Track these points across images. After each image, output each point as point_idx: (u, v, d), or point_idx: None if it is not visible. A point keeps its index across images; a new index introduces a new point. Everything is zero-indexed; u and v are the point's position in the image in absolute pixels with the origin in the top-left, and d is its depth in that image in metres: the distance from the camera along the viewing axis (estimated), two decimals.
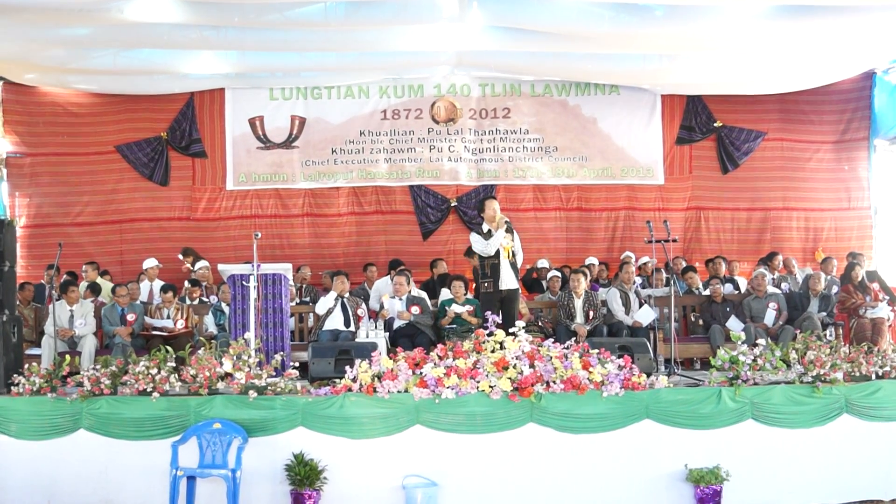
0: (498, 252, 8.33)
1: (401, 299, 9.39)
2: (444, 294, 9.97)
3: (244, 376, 6.51)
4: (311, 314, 9.68)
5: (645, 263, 11.46)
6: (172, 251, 11.88)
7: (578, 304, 9.51)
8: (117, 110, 12.13)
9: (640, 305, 9.65)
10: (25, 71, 11.21)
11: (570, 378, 6.49)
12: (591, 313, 9.44)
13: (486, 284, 8.39)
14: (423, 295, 9.82)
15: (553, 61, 11.03)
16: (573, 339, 8.40)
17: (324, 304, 9.22)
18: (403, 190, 12.44)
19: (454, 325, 9.16)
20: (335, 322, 9.11)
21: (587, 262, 11.63)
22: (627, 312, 9.59)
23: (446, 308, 9.40)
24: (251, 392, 6.43)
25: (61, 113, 12.07)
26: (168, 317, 9.44)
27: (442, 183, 12.41)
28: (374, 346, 7.46)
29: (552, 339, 6.95)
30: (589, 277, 10.10)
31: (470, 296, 9.59)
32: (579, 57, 10.88)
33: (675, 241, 10.07)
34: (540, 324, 9.60)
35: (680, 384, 7.07)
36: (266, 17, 9.13)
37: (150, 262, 11.01)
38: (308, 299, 10.54)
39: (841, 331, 9.69)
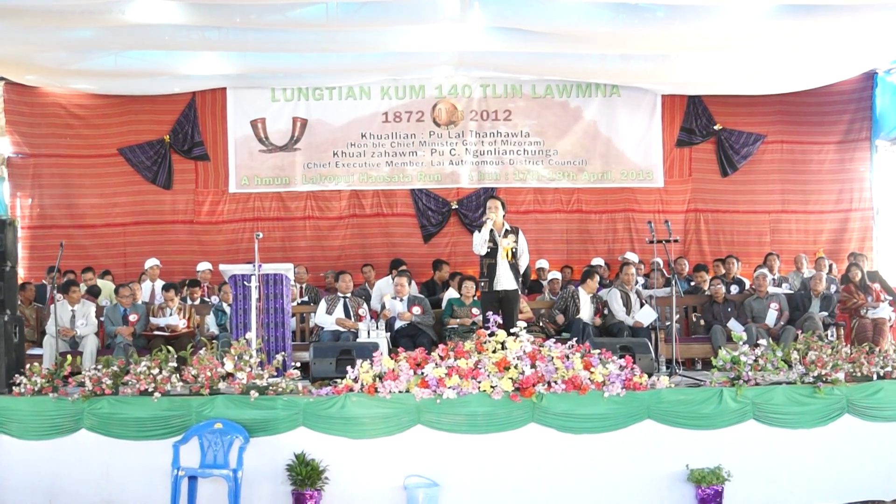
0: (495, 252, 8.32)
1: (402, 300, 9.40)
2: (449, 293, 9.98)
3: (245, 376, 6.51)
4: (313, 313, 9.68)
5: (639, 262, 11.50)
6: (175, 254, 11.92)
7: (587, 298, 9.53)
8: (119, 112, 12.15)
9: (641, 306, 9.65)
10: (27, 72, 11.23)
11: (572, 378, 6.49)
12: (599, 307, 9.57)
13: (482, 284, 8.41)
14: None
15: (554, 61, 11.03)
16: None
17: (322, 318, 9.22)
18: (404, 193, 12.44)
19: (457, 325, 9.20)
20: None
21: (593, 262, 11.65)
22: (628, 313, 9.59)
23: (454, 306, 9.43)
24: (252, 392, 6.43)
25: (63, 114, 12.09)
26: (171, 314, 9.40)
27: (443, 186, 12.42)
28: (375, 347, 7.46)
29: (557, 335, 6.95)
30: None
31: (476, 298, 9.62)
32: (580, 57, 10.89)
33: (676, 241, 10.09)
34: (541, 324, 9.62)
35: (681, 384, 7.07)
36: (267, 17, 9.14)
37: (151, 262, 11.02)
38: (307, 299, 10.56)
39: (842, 331, 9.69)
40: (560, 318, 9.51)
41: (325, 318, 9.19)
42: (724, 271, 11.11)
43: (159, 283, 10.61)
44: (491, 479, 6.44)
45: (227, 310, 9.31)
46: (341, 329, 9.05)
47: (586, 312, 9.56)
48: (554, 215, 12.53)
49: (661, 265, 10.52)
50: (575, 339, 7.98)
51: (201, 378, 6.51)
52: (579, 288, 9.75)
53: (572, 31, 9.48)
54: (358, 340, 8.37)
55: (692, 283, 11.12)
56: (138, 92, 11.86)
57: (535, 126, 12.42)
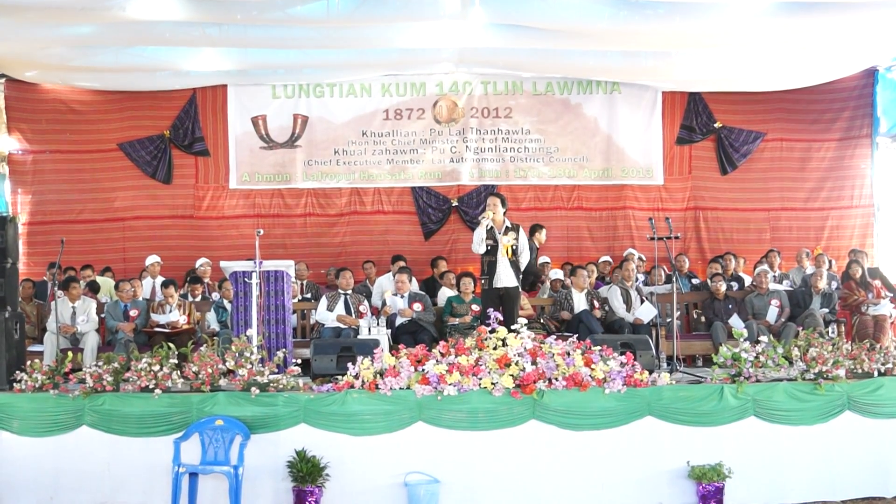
0: (495, 250, 8.32)
1: (403, 296, 9.40)
2: (449, 292, 9.98)
3: (246, 373, 6.51)
4: (314, 310, 9.67)
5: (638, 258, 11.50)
6: (175, 249, 11.90)
7: (580, 297, 9.54)
8: (120, 108, 12.14)
9: (642, 302, 9.65)
10: (28, 68, 11.23)
11: (573, 375, 6.49)
12: (596, 302, 9.58)
13: (482, 281, 8.41)
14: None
15: (555, 58, 11.04)
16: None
17: (323, 315, 9.22)
18: (405, 190, 12.44)
19: (457, 322, 9.19)
20: None
21: (601, 259, 11.67)
22: (629, 310, 9.59)
23: (453, 304, 9.43)
24: (253, 389, 6.44)
25: (64, 110, 12.09)
26: (171, 311, 9.39)
27: (443, 183, 12.41)
28: (376, 343, 7.44)
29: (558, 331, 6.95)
30: (595, 274, 10.28)
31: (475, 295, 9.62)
32: (581, 53, 10.89)
33: (677, 237, 10.09)
34: (542, 321, 9.63)
35: (682, 381, 7.08)
36: (268, 14, 9.13)
37: (152, 259, 11.03)
38: (308, 296, 10.55)
39: (843, 328, 9.69)
40: (566, 315, 9.51)
41: (326, 314, 9.19)
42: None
43: (160, 280, 10.59)
44: (492, 476, 6.43)
45: (228, 306, 9.31)
46: (342, 326, 9.05)
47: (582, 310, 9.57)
48: (554, 212, 12.52)
49: (643, 259, 10.56)
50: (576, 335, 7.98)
51: (202, 375, 6.51)
52: (571, 288, 9.75)
53: (573, 27, 9.48)
54: (359, 337, 8.38)
55: (692, 281, 11.12)
56: (139, 88, 11.84)
57: (536, 123, 12.41)
